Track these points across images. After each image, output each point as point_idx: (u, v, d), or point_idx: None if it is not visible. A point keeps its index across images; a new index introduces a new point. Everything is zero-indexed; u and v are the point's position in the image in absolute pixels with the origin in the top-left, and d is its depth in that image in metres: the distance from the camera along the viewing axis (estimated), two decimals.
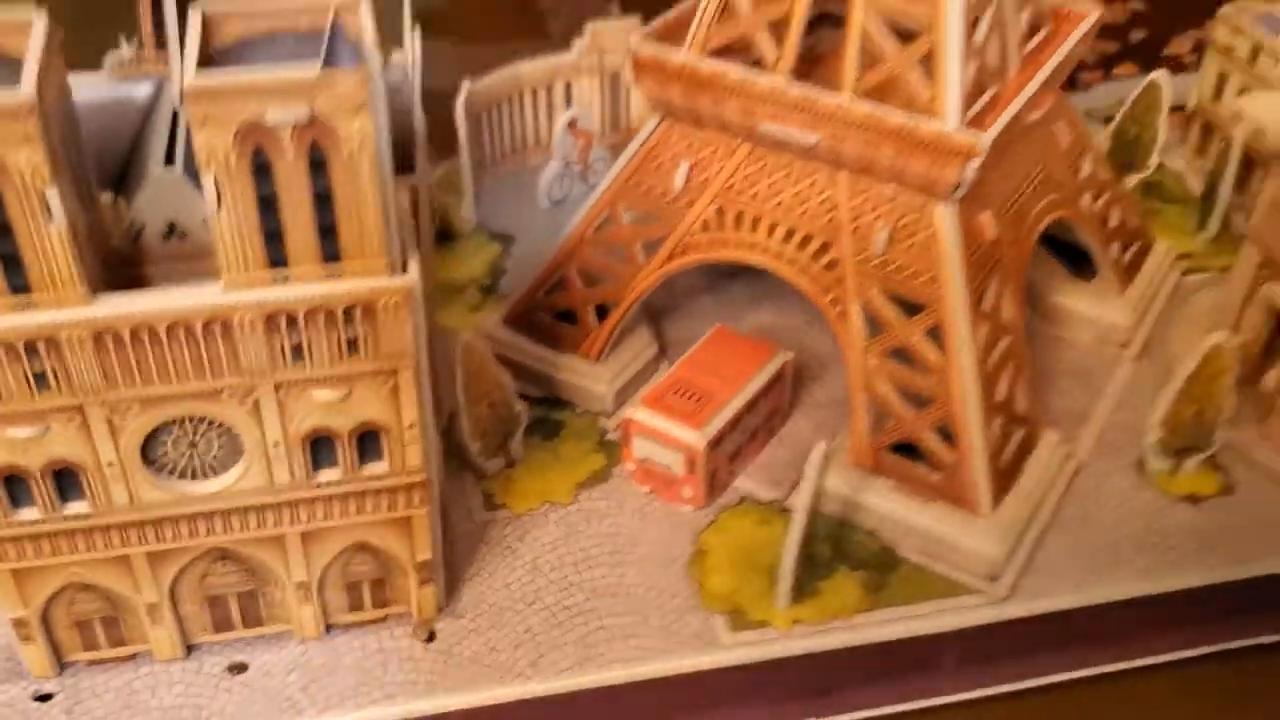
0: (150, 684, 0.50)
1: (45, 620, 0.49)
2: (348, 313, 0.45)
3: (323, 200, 0.43)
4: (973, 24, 0.56)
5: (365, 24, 0.43)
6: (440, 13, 1.02)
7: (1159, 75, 0.79)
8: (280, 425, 0.46)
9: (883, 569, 0.55)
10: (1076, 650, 0.54)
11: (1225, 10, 0.78)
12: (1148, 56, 1.09)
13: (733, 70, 0.56)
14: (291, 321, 0.45)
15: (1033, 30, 0.62)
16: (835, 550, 0.56)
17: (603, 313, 0.63)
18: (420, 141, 0.57)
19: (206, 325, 0.44)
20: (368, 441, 0.48)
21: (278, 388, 0.46)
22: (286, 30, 0.44)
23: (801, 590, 0.54)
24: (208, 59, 0.42)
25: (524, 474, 0.58)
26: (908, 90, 0.54)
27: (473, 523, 0.56)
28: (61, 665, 0.50)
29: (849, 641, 0.52)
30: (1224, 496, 0.58)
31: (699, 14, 0.58)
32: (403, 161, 0.56)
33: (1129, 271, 0.68)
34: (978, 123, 0.55)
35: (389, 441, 0.48)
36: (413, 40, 0.60)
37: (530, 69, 0.77)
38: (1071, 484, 0.58)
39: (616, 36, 0.75)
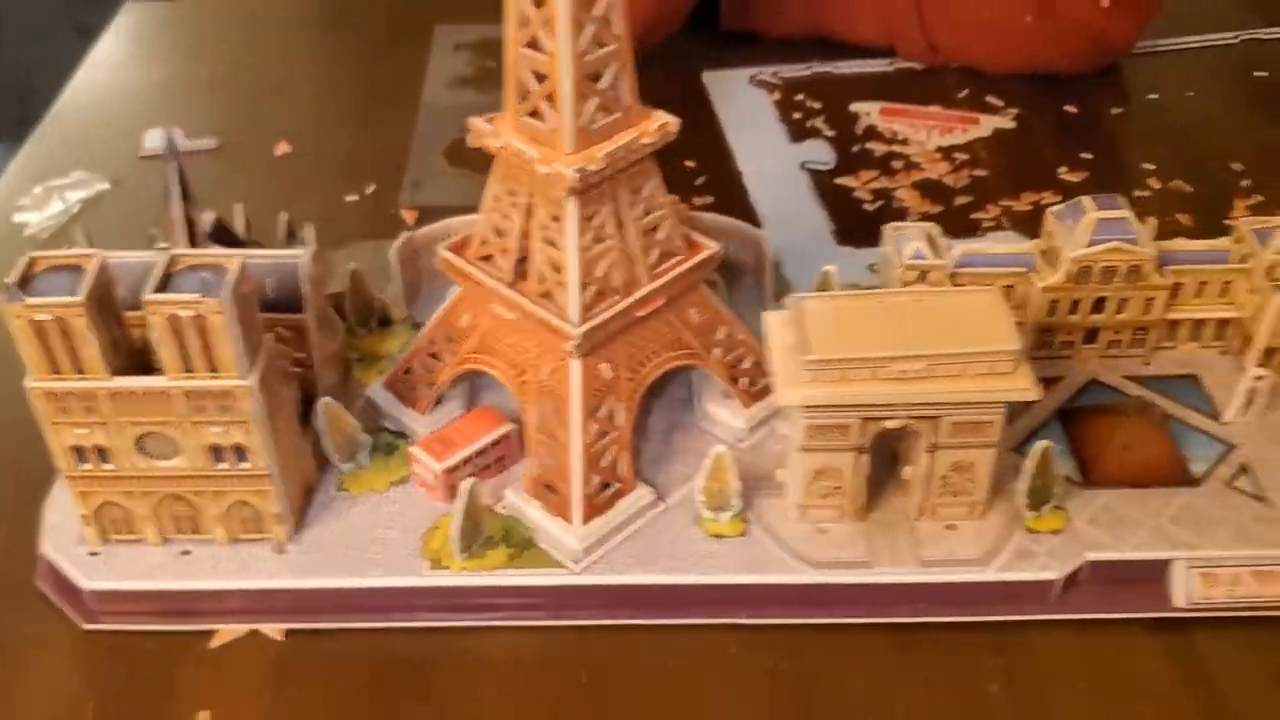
0: (143, 554, 1.00)
1: (97, 516, 0.99)
2: (220, 395, 0.93)
3: (206, 346, 0.90)
4: (594, 263, 0.98)
5: (233, 270, 0.89)
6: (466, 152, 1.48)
7: (830, 268, 1.15)
8: (196, 441, 0.95)
9: (523, 548, 0.99)
10: (618, 607, 0.96)
11: (888, 226, 1.13)
12: (962, 222, 1.42)
13: (478, 273, 1.01)
14: (199, 396, 0.93)
15: (665, 258, 1.02)
16: (504, 535, 1.01)
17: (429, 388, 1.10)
18: (305, 294, 1.04)
19: (159, 394, 0.92)
20: (242, 451, 0.96)
21: (194, 424, 0.95)
22: (202, 267, 0.91)
23: (471, 553, 0.99)
24: (165, 280, 0.90)
25: (363, 473, 1.05)
26: (557, 297, 0.97)
27: (326, 496, 1.03)
28: (104, 540, 1.00)
29: (490, 583, 0.97)
30: (740, 537, 0.98)
31: (473, 240, 1.03)
32: (296, 307, 1.05)
33: (755, 397, 1.07)
34: (589, 320, 0.96)
35: (249, 453, 0.96)
36: (308, 244, 1.08)
37: (458, 222, 1.22)
38: (653, 520, 1.00)
39: None
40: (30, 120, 2.80)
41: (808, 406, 0.91)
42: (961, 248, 1.12)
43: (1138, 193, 1.46)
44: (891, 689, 0.93)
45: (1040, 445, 0.95)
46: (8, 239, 1.35)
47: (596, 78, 0.90)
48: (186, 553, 1.00)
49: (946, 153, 1.52)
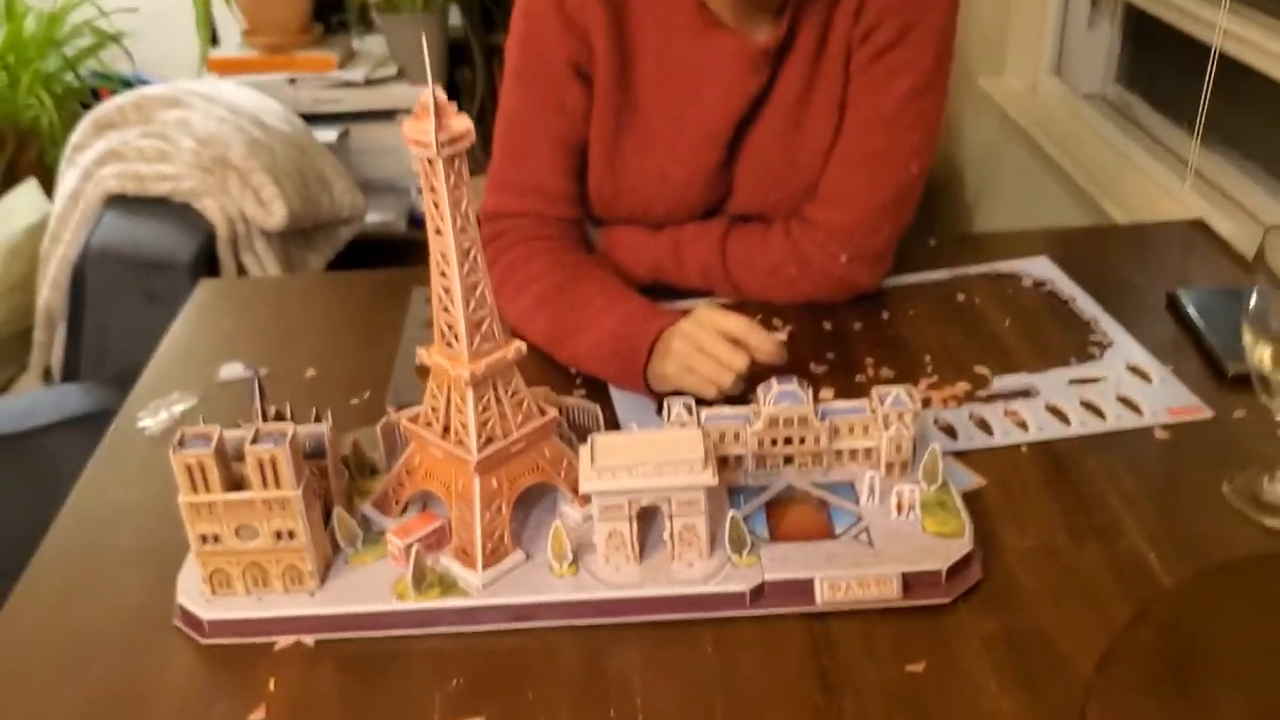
0: (236, 599, 1.73)
1: (210, 578, 1.72)
2: (281, 501, 1.69)
3: (275, 474, 1.67)
4: (485, 423, 1.76)
5: (289, 435, 1.67)
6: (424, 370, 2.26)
7: (634, 425, 1.94)
8: (268, 528, 1.71)
9: (449, 587, 1.70)
10: (500, 618, 1.69)
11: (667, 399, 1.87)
12: (736, 402, 2.19)
13: (423, 433, 1.78)
14: (269, 503, 1.70)
15: (528, 419, 1.79)
16: (439, 581, 1.72)
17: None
18: (326, 449, 1.81)
19: (249, 503, 1.69)
20: (291, 534, 1.70)
21: (267, 519, 1.71)
22: (271, 434, 1.69)
23: (419, 590, 1.72)
24: (254, 439, 1.68)
25: (359, 554, 1.70)
26: (465, 443, 1.75)
27: (338, 567, 1.68)
28: (214, 592, 1.73)
29: (428, 606, 1.69)
30: (573, 576, 1.73)
31: (420, 415, 1.82)
32: (322, 456, 1.83)
33: (586, 500, 1.83)
34: (482, 454, 1.73)
35: (295, 535, 1.70)
36: (326, 417, 1.85)
37: (414, 410, 2.01)
38: (525, 569, 1.74)
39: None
40: (108, 364, 3.64)
41: (597, 493, 1.70)
42: (708, 411, 1.92)
43: (859, 378, 2.25)
44: (646, 653, 1.63)
45: (730, 514, 1.72)
46: (136, 435, 2.14)
47: (480, 325, 1.72)
48: (260, 598, 1.75)
49: None
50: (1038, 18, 2.90)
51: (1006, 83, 2.92)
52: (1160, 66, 2.68)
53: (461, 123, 1.51)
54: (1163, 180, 2.26)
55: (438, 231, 1.57)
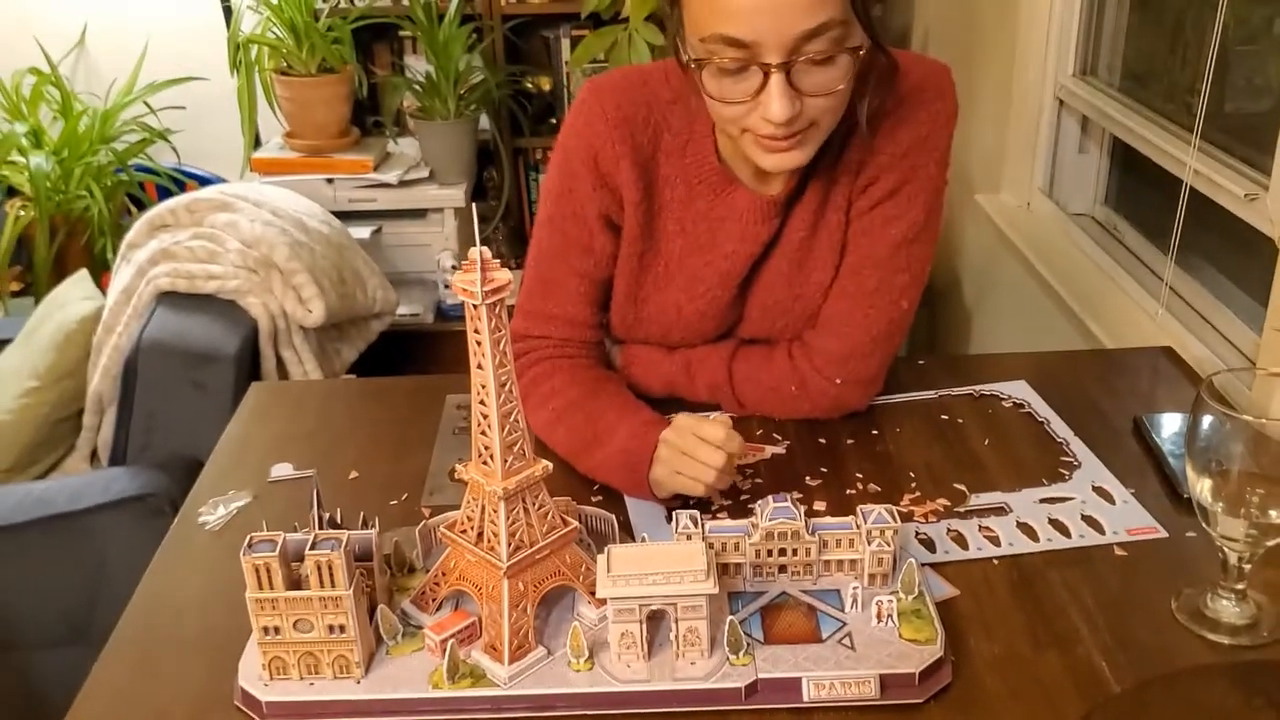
0: (291, 684, 1.94)
1: (269, 665, 1.93)
2: (335, 599, 1.92)
3: (331, 575, 1.90)
4: (514, 532, 1.99)
5: (344, 541, 1.90)
6: None
7: (644, 535, 2.15)
8: (322, 622, 1.95)
9: (479, 678, 1.92)
10: (525, 707, 1.87)
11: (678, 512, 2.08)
12: (744, 513, 2.39)
13: (459, 540, 1.99)
14: (324, 600, 1.93)
15: (552, 529, 2.03)
16: (470, 672, 1.97)
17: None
18: (372, 553, 2.05)
19: (306, 600, 1.91)
20: (343, 627, 1.94)
21: (321, 614, 1.94)
22: (328, 539, 1.92)
23: (453, 681, 1.94)
24: (313, 544, 1.91)
25: (399, 645, 1.89)
26: (496, 549, 1.98)
27: (380, 658, 1.89)
28: (272, 678, 1.94)
29: (461, 694, 1.92)
30: (589, 671, 1.94)
31: (456, 523, 2.06)
32: (369, 559, 2.06)
33: (603, 602, 2.05)
34: (511, 560, 1.96)
35: (346, 629, 1.94)
36: (374, 523, 2.09)
37: (452, 515, 2.24)
38: (548, 664, 1.96)
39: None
40: (154, 449, 3.89)
41: (611, 598, 1.93)
42: (711, 524, 2.16)
43: (849, 491, 2.48)
44: None
45: (729, 619, 1.94)
46: (197, 530, 2.38)
47: (513, 446, 1.97)
48: (312, 684, 1.97)
49: (741, 469, 2.56)
50: (1032, 141, 3.15)
51: (1002, 200, 3.20)
52: (1143, 191, 2.92)
53: (502, 275, 1.76)
54: (1141, 300, 2.50)
55: (479, 366, 1.82)
